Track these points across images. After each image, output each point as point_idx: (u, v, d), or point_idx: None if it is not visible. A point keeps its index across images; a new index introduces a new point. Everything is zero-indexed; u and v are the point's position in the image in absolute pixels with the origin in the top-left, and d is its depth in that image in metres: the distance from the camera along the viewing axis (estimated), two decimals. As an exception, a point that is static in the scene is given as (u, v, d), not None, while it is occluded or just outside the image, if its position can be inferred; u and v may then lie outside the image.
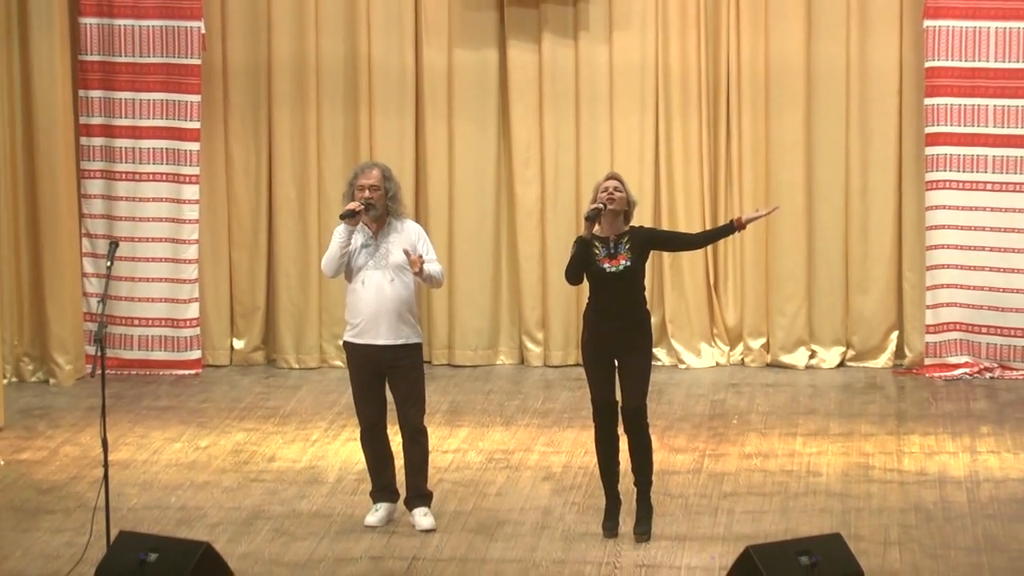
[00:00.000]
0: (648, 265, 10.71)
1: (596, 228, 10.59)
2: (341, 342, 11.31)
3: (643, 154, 14.44)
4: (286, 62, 14.54)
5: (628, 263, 10.59)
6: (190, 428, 13.11)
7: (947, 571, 10.25)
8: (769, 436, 12.82)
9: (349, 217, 10.74)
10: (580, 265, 10.59)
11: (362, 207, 10.71)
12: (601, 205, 10.51)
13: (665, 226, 14.27)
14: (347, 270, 10.83)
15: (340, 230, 10.81)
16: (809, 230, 14.46)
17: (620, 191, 10.64)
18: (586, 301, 10.80)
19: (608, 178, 10.77)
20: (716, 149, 14.50)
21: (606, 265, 10.61)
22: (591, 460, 11.21)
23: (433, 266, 10.81)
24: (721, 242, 14.33)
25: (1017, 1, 13.84)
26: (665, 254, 14.03)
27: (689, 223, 14.41)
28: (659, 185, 14.47)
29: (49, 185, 14.22)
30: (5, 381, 13.61)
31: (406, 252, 10.62)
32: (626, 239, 10.62)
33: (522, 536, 10.87)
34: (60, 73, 14.16)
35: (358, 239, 10.80)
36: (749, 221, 10.72)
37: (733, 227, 10.71)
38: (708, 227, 14.33)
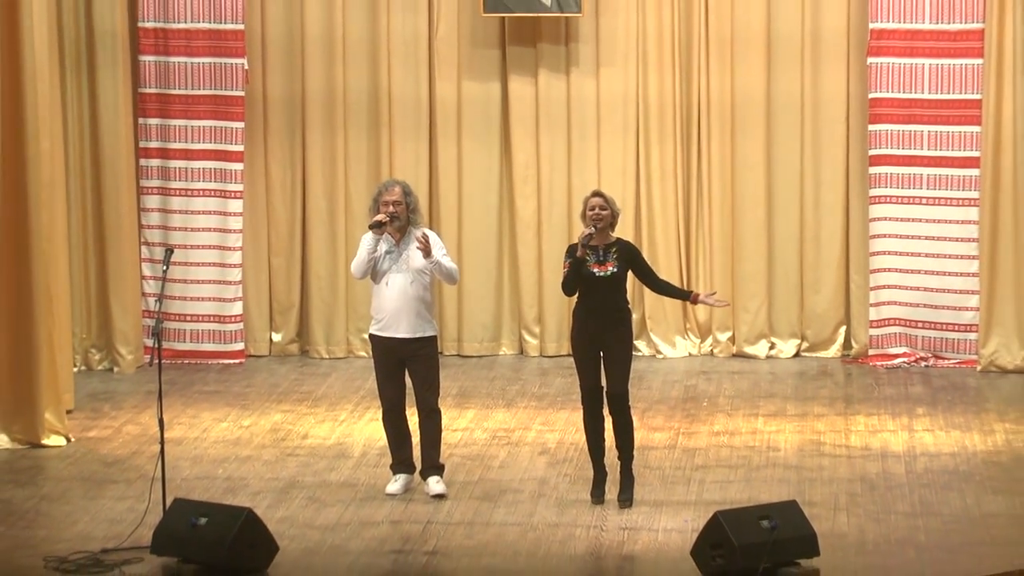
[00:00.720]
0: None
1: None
2: (366, 335, 11.37)
3: (625, 173, 14.45)
4: (317, 93, 14.52)
5: (615, 269, 10.66)
6: (234, 410, 13.13)
7: (888, 533, 10.31)
8: (734, 416, 12.83)
9: (377, 228, 10.80)
10: (576, 280, 10.65)
11: (388, 219, 10.78)
12: (591, 230, 10.59)
13: (644, 236, 14.34)
14: (373, 273, 10.88)
15: (368, 238, 10.86)
16: (769, 239, 14.47)
17: (605, 209, 10.69)
18: (576, 300, 10.88)
19: (594, 195, 10.81)
20: (688, 169, 14.49)
21: (595, 270, 10.67)
22: (581, 437, 11.22)
23: (446, 260, 10.87)
24: (693, 249, 14.48)
25: (947, 42, 13.82)
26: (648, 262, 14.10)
27: (665, 232, 14.48)
28: (639, 199, 14.46)
29: (113, 201, 14.23)
30: (75, 369, 13.67)
31: (416, 238, 10.68)
32: (614, 249, 10.68)
33: (521, 503, 10.92)
34: (123, 104, 14.17)
35: (383, 246, 10.85)
36: (701, 302, 10.86)
37: (688, 297, 10.94)
38: (681, 234, 14.46)
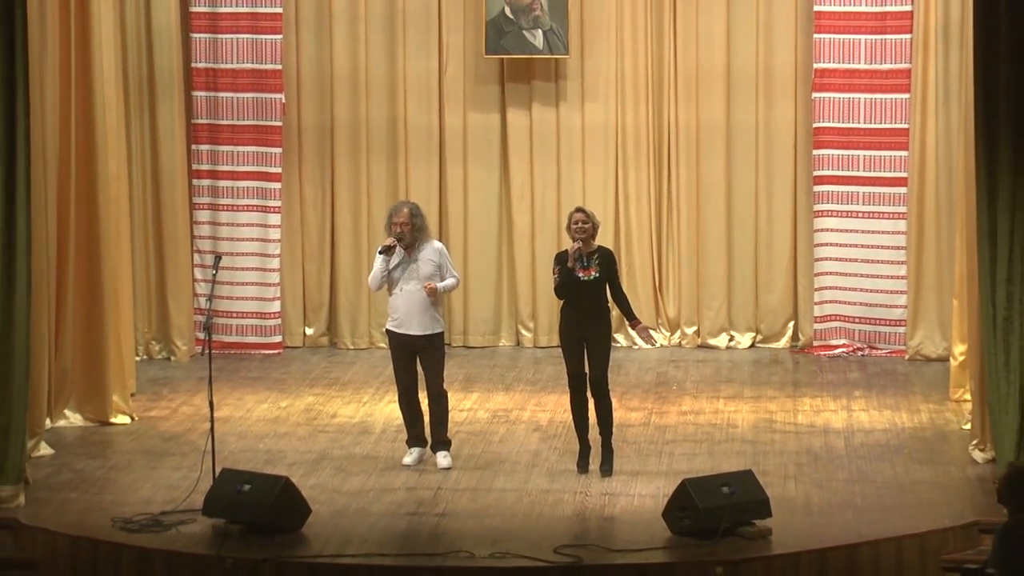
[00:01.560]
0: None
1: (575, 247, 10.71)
2: (385, 330, 11.40)
3: (606, 191, 14.44)
4: (344, 123, 14.52)
5: (597, 274, 10.71)
6: (273, 393, 13.14)
7: (830, 497, 10.38)
8: (699, 399, 12.85)
9: (386, 251, 10.89)
10: (568, 288, 10.70)
11: (394, 243, 10.85)
12: (579, 244, 10.66)
13: (623, 245, 14.35)
14: (388, 283, 10.95)
15: (380, 259, 10.96)
16: (729, 247, 14.46)
17: (587, 222, 10.73)
18: (564, 300, 10.88)
19: (577, 210, 10.86)
20: (660, 187, 14.50)
21: (580, 274, 10.71)
22: (567, 416, 11.23)
23: (447, 282, 10.92)
24: (664, 256, 14.53)
25: (879, 80, 13.83)
26: (625, 269, 14.11)
27: (640, 242, 14.49)
28: (618, 214, 14.47)
29: (170, 215, 14.25)
30: (138, 358, 13.70)
31: (427, 288, 10.77)
32: (596, 256, 10.72)
33: (517, 472, 10.97)
34: (178, 133, 14.19)
35: (396, 259, 10.91)
36: (638, 331, 11.13)
37: (631, 320, 10.99)
38: (653, 243, 14.46)
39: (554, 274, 10.77)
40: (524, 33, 14.07)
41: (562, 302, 10.89)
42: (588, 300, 10.74)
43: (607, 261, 10.72)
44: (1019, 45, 10.12)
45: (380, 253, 10.90)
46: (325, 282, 14.68)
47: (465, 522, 10.02)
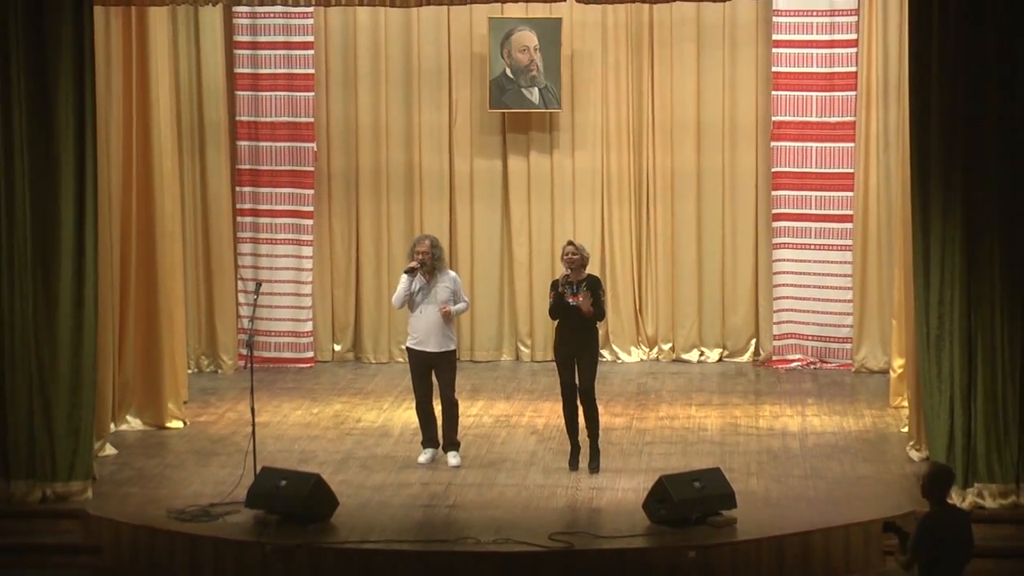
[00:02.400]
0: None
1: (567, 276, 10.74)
2: (404, 347, 11.42)
3: (593, 226, 14.41)
4: (367, 168, 14.49)
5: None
6: (306, 401, 13.12)
7: (786, 491, 10.40)
8: (674, 405, 12.83)
9: (410, 272, 10.91)
10: (557, 309, 10.72)
11: (418, 265, 10.88)
12: (568, 271, 10.68)
13: (608, 273, 14.28)
14: (409, 303, 10.97)
15: (404, 279, 10.98)
16: (699, 274, 14.43)
17: (576, 254, 10.77)
18: (557, 322, 10.90)
19: (568, 244, 10.90)
20: (640, 223, 14.47)
21: (570, 300, 10.74)
22: (560, 421, 11.21)
23: (459, 306, 10.96)
24: (644, 282, 14.47)
25: (828, 131, 13.82)
26: (610, 293, 14.07)
27: (623, 270, 14.44)
28: (604, 246, 14.43)
29: (217, 247, 14.23)
30: (189, 371, 13.67)
31: (442, 311, 10.77)
32: (584, 284, 10.75)
33: (517, 469, 10.98)
34: (224, 176, 14.18)
35: (417, 284, 10.94)
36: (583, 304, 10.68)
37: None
38: (634, 271, 14.42)
39: (550, 299, 10.83)
40: (522, 91, 14.09)
41: (557, 324, 10.92)
42: (577, 323, 10.76)
43: (593, 288, 10.75)
44: (947, 102, 10.15)
45: (405, 273, 10.94)
46: (351, 305, 14.64)
47: (472, 513, 10.04)
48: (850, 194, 13.85)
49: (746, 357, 14.44)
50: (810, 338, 14.14)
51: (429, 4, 10.91)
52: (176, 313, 12.75)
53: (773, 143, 14.02)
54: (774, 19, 13.82)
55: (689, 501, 9.65)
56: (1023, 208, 10.13)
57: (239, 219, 14.35)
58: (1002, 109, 10.08)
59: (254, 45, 14.14)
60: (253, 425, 10.53)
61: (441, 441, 11.16)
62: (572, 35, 14.13)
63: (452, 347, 11.05)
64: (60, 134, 10.54)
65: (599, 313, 10.73)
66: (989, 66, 10.06)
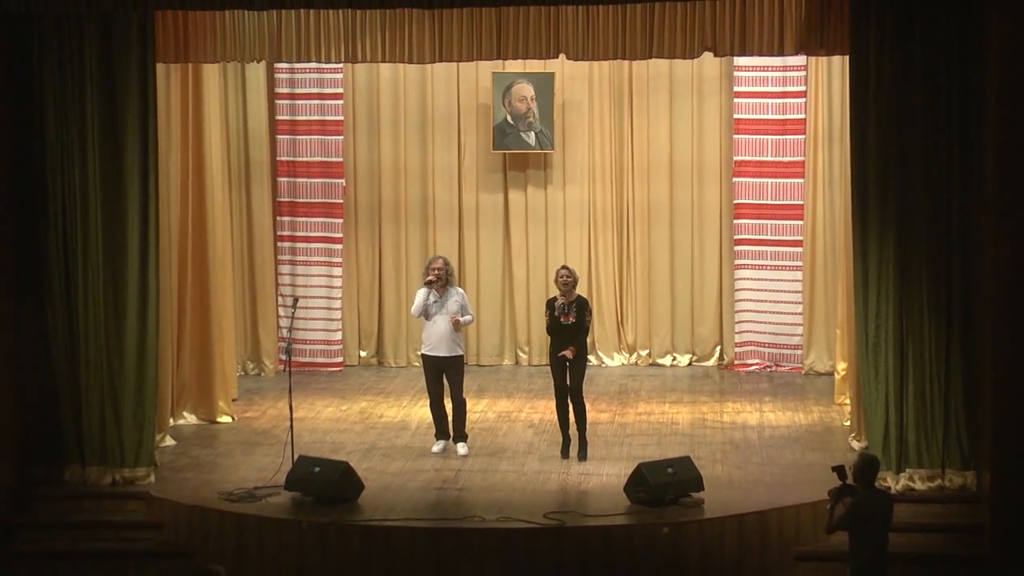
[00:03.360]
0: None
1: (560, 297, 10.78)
2: (419, 353, 11.41)
3: (581, 250, 14.37)
4: (388, 200, 14.44)
5: (574, 320, 10.77)
6: (336, 399, 13.08)
7: (746, 476, 10.43)
8: (650, 403, 12.81)
9: (427, 285, 10.95)
10: (554, 329, 10.75)
11: (435, 279, 10.90)
12: (561, 293, 10.71)
13: (594, 291, 14.20)
14: (425, 313, 11.00)
15: (422, 292, 11.01)
16: (672, 291, 14.38)
17: (569, 277, 10.80)
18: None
19: (562, 267, 10.96)
20: (621, 248, 14.43)
21: (562, 320, 10.78)
22: (553, 417, 11.24)
23: (466, 318, 10.98)
24: (625, 298, 14.40)
25: (782, 168, 13.81)
26: (596, 307, 14.05)
27: (607, 287, 14.38)
28: (590, 267, 14.35)
29: (260, 268, 14.18)
30: (237, 373, 13.59)
31: (452, 320, 10.78)
32: (574, 305, 10.79)
33: (517, 458, 10.99)
34: (267, 208, 14.15)
35: (432, 298, 10.97)
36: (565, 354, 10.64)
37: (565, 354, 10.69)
38: (616, 289, 14.35)
39: (546, 317, 10.86)
40: (521, 134, 14.10)
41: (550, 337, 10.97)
42: (568, 337, 10.80)
43: (580, 309, 10.78)
44: (882, 144, 10.23)
45: (424, 285, 10.96)
46: (374, 317, 14.59)
47: (478, 495, 10.07)
48: (800, 222, 13.84)
49: (712, 362, 14.39)
50: (766, 345, 14.12)
51: (441, 61, 11.03)
52: (226, 324, 12.76)
53: (735, 179, 14.02)
54: (735, 74, 13.85)
55: (664, 485, 9.69)
56: (946, 234, 10.22)
57: (279, 244, 14.32)
58: (927, 150, 10.17)
59: (292, 96, 14.15)
60: (291, 420, 10.56)
61: (451, 433, 11.17)
62: (563, 87, 14.14)
63: (460, 353, 11.07)
64: (127, 172, 10.63)
65: (582, 338, 10.77)
66: (916, 115, 10.16)
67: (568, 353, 10.64)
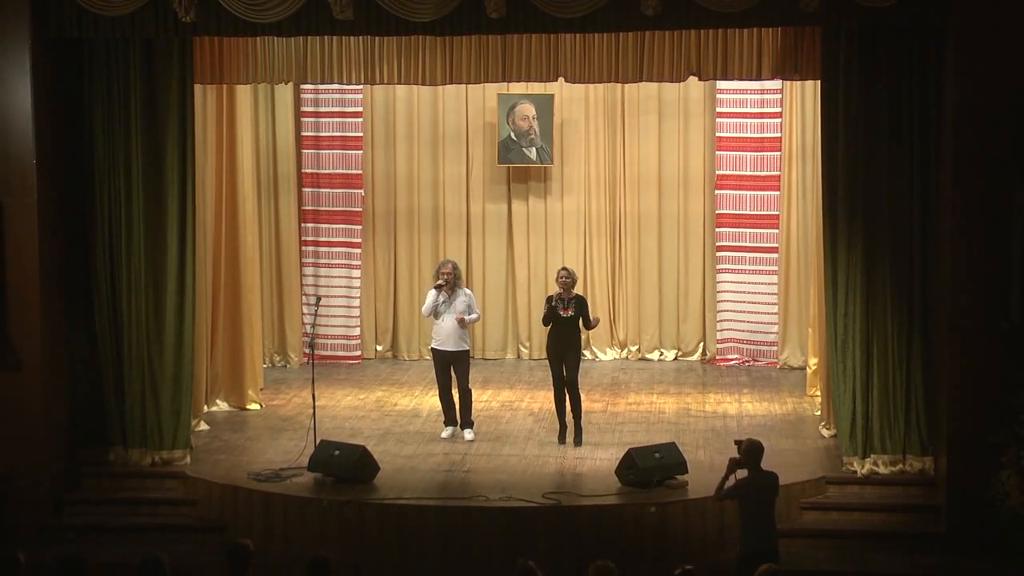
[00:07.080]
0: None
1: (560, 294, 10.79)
2: (430, 347, 11.42)
3: (577, 255, 14.34)
4: (403, 209, 14.43)
5: (572, 313, 10.80)
6: (355, 389, 13.07)
7: (726, 460, 10.20)
8: (640, 393, 12.80)
9: (437, 288, 10.97)
10: (551, 317, 10.76)
11: (444, 282, 10.92)
12: (561, 291, 10.73)
13: (589, 290, 14.14)
14: (434, 313, 11.02)
15: (432, 293, 11.03)
16: (660, 292, 14.35)
17: (568, 277, 10.83)
18: (550, 328, 10.96)
19: (562, 268, 10.99)
20: (614, 253, 14.41)
21: (562, 312, 10.81)
22: (551, 406, 11.25)
23: (471, 316, 10.97)
24: (617, 298, 14.36)
25: (759, 182, 13.80)
26: (591, 306, 14.04)
27: (600, 288, 14.35)
28: (586, 270, 14.32)
29: (287, 271, 14.15)
30: (265, 365, 13.58)
31: (458, 318, 10.77)
32: (573, 301, 10.82)
33: (518, 443, 11.00)
34: (293, 216, 14.12)
35: (441, 298, 10.99)
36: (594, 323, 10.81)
37: (589, 325, 10.75)
38: (609, 290, 14.32)
39: (545, 308, 10.88)
40: (523, 150, 14.10)
41: (549, 330, 10.96)
42: (566, 329, 10.83)
43: (580, 305, 10.82)
44: (850, 161, 10.26)
45: (434, 288, 10.98)
46: (389, 315, 14.57)
47: (483, 476, 10.09)
48: (776, 231, 13.83)
49: (696, 356, 14.37)
50: (745, 342, 14.11)
51: (451, 83, 11.08)
52: (255, 321, 12.76)
53: (717, 191, 14.02)
54: (718, 96, 13.85)
55: (651, 468, 9.72)
56: (907, 243, 10.26)
57: (303, 248, 14.31)
58: (891, 167, 10.22)
59: (316, 114, 14.15)
60: (314, 408, 10.60)
61: (459, 420, 11.19)
62: (562, 107, 14.14)
63: (467, 347, 11.08)
64: (167, 183, 10.68)
65: (591, 324, 10.85)
66: (881, 134, 10.20)
67: (598, 319, 10.97)
